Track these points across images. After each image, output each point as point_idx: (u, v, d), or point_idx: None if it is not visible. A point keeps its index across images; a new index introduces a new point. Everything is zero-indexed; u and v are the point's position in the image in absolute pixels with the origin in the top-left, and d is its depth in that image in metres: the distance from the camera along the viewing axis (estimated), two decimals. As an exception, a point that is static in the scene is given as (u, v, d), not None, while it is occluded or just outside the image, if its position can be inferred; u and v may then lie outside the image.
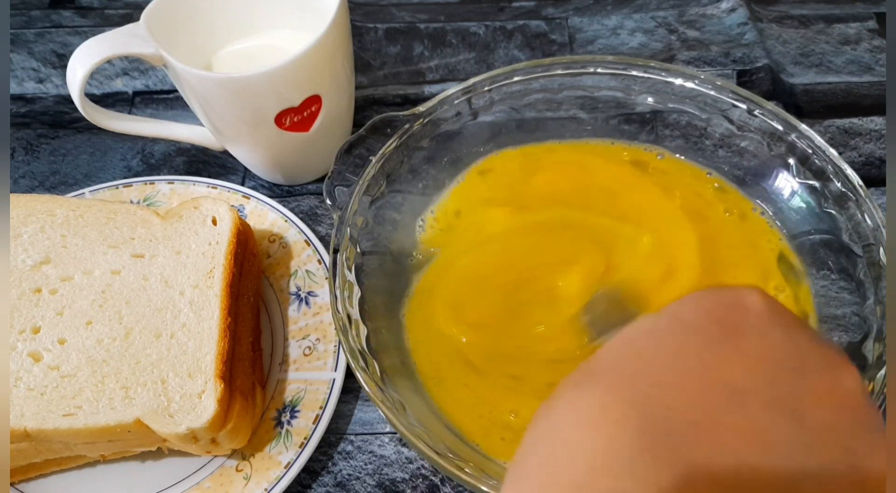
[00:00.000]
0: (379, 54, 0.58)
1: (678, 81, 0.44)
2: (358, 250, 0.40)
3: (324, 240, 0.46)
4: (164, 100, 0.56)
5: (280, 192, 0.51)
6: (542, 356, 0.39)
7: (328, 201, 0.40)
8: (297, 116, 0.44)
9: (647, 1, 0.60)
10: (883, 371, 0.34)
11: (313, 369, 0.41)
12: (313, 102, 0.44)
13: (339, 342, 0.40)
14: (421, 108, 0.44)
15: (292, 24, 0.48)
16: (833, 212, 0.40)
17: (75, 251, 0.41)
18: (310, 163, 0.49)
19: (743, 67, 0.55)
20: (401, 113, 0.43)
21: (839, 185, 0.40)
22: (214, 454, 0.38)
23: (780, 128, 0.42)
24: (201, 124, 0.48)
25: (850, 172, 0.40)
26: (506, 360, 0.39)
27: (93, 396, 0.36)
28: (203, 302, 0.39)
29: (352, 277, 0.38)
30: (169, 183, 0.48)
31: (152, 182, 0.48)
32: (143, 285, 0.40)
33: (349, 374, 0.39)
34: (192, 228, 0.42)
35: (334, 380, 0.40)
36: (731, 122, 0.44)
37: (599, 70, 0.45)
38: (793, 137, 0.42)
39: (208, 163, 0.52)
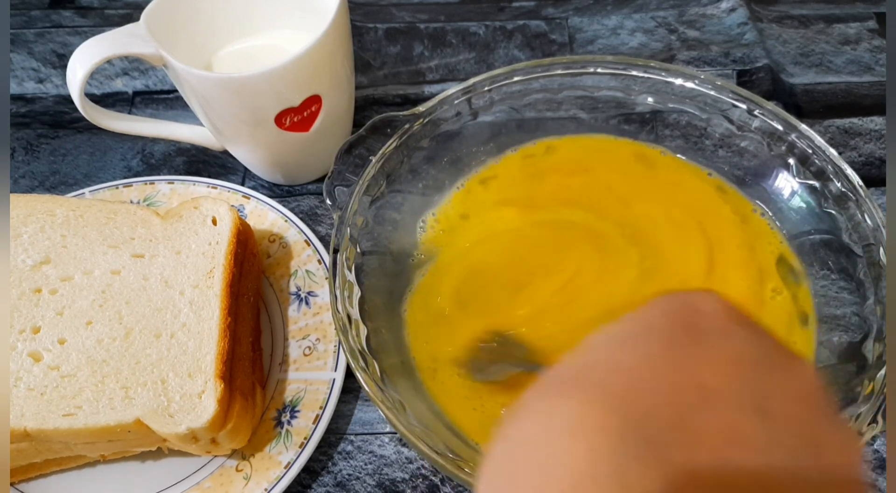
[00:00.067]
0: (379, 54, 0.58)
1: (678, 81, 0.44)
2: (358, 249, 0.40)
3: (324, 240, 0.46)
4: (164, 100, 0.56)
5: (280, 192, 0.51)
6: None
7: (328, 201, 0.40)
8: (297, 116, 0.44)
9: (647, 1, 0.60)
10: (883, 371, 0.34)
11: (313, 369, 0.41)
12: (313, 102, 0.44)
13: (339, 342, 0.40)
14: (421, 108, 0.44)
15: (292, 24, 0.48)
16: (833, 212, 0.40)
17: (75, 251, 0.41)
18: (310, 163, 0.49)
19: (743, 67, 0.55)
20: (401, 113, 0.43)
21: (839, 185, 0.40)
22: (214, 454, 0.38)
23: (780, 128, 0.42)
24: (201, 124, 0.48)
25: (850, 172, 0.40)
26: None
27: (93, 396, 0.36)
28: (203, 302, 0.39)
29: (352, 277, 0.38)
30: (169, 183, 0.48)
31: (152, 182, 0.48)
32: (143, 284, 0.40)
33: (349, 374, 0.39)
34: (192, 228, 0.42)
35: (334, 380, 0.40)
36: (731, 122, 0.44)
37: (599, 70, 0.45)
38: (793, 137, 0.42)
39: (208, 163, 0.52)
